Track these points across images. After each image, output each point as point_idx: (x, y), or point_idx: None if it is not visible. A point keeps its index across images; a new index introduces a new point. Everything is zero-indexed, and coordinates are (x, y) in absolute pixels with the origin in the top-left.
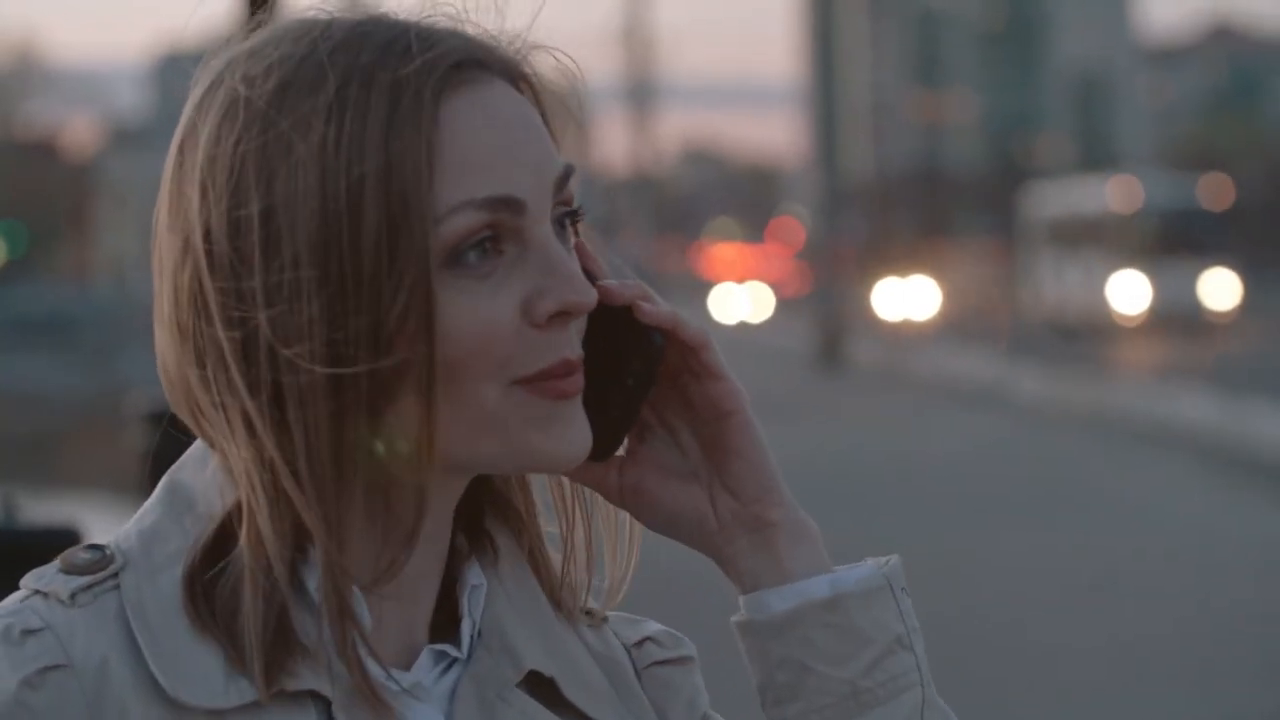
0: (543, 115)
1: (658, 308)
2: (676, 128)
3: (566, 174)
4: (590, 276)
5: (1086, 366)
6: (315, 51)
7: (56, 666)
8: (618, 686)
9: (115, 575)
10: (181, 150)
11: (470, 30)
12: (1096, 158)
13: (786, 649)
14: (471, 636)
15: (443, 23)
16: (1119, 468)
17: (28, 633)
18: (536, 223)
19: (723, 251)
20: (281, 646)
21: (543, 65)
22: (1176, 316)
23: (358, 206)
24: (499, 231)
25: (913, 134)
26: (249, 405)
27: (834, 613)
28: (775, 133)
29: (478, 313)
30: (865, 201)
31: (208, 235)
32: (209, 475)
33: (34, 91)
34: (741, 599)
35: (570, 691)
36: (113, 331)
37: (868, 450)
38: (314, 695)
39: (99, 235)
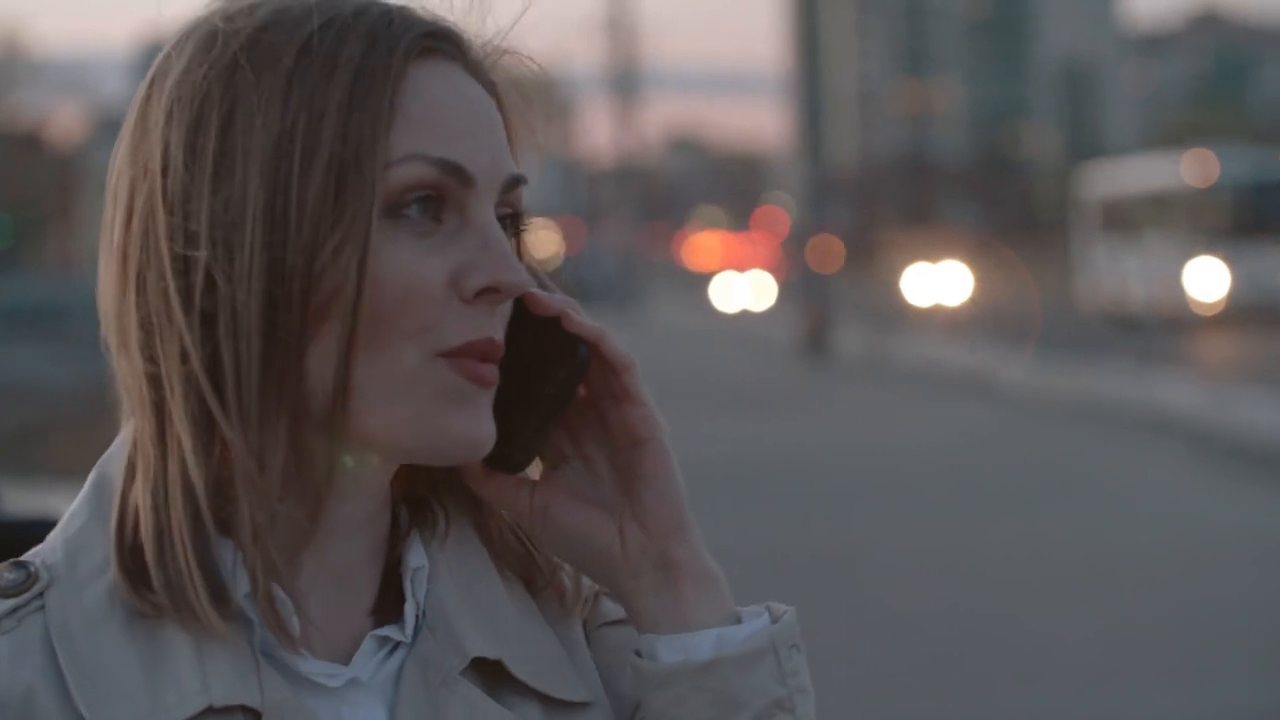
0: (506, 125)
1: (585, 320)
2: (661, 116)
3: (517, 180)
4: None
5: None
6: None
7: None
8: (573, 654)
9: (40, 595)
10: (152, 83)
11: (450, 18)
12: (1083, 147)
13: (663, 703)
14: (416, 619)
15: (422, 13)
16: (1108, 456)
17: None
18: (481, 202)
19: (708, 240)
20: (213, 629)
21: (515, 70)
22: (1257, 305)
23: (314, 139)
24: (444, 196)
25: (898, 123)
26: (183, 329)
27: (709, 676)
28: (761, 121)
29: (409, 266)
30: (851, 190)
31: (165, 162)
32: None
33: (20, 83)
34: (640, 636)
35: (519, 670)
36: (97, 323)
37: (854, 441)
38: (243, 709)
39: (86, 226)
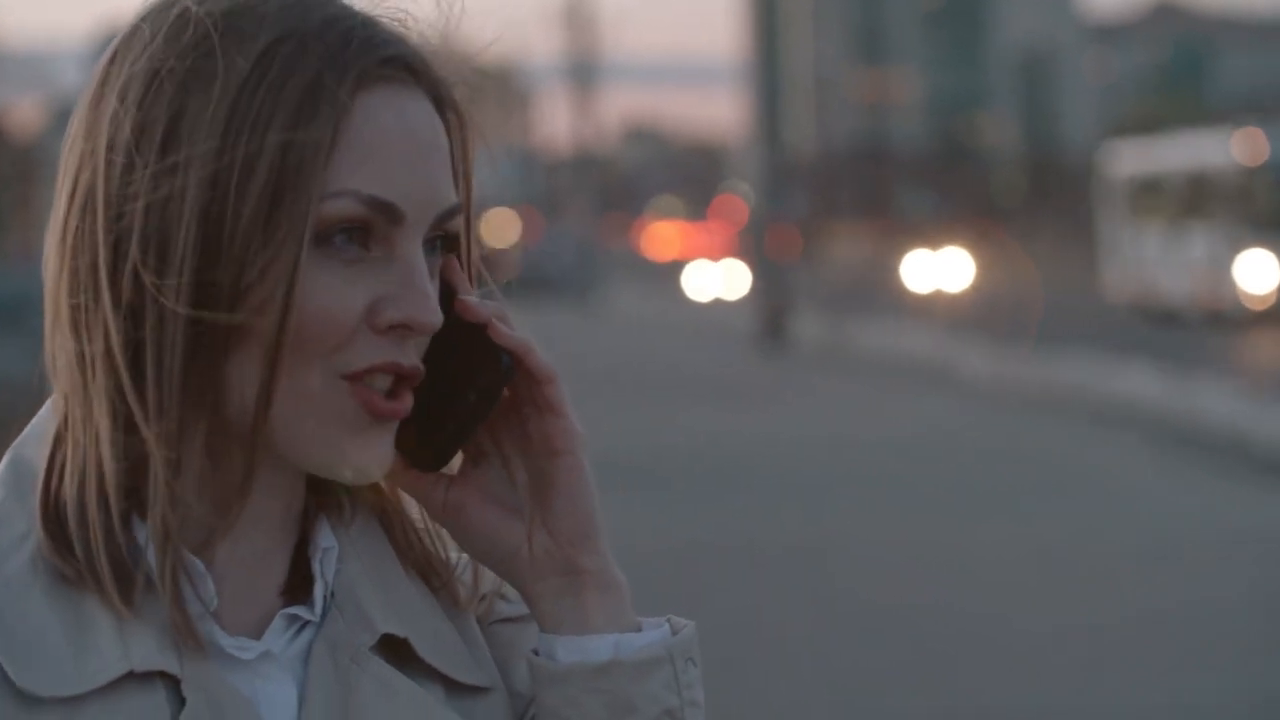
0: (454, 145)
1: (513, 332)
2: (619, 106)
3: (453, 211)
4: (453, 290)
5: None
6: (268, 1)
7: None
8: (468, 640)
9: None
10: (113, 60)
11: (413, 39)
12: (1041, 136)
13: (556, 702)
14: (324, 599)
15: (389, 24)
16: (1069, 445)
17: None
18: (409, 237)
19: (666, 229)
20: (127, 595)
21: (475, 81)
22: None
23: (254, 159)
24: (371, 229)
25: (856, 111)
26: (109, 318)
27: (603, 679)
28: (718, 110)
29: (331, 293)
30: (808, 179)
31: (111, 147)
32: (49, 447)
33: None
34: (539, 635)
35: (424, 651)
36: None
37: (817, 432)
38: (162, 675)
39: (44, 217)
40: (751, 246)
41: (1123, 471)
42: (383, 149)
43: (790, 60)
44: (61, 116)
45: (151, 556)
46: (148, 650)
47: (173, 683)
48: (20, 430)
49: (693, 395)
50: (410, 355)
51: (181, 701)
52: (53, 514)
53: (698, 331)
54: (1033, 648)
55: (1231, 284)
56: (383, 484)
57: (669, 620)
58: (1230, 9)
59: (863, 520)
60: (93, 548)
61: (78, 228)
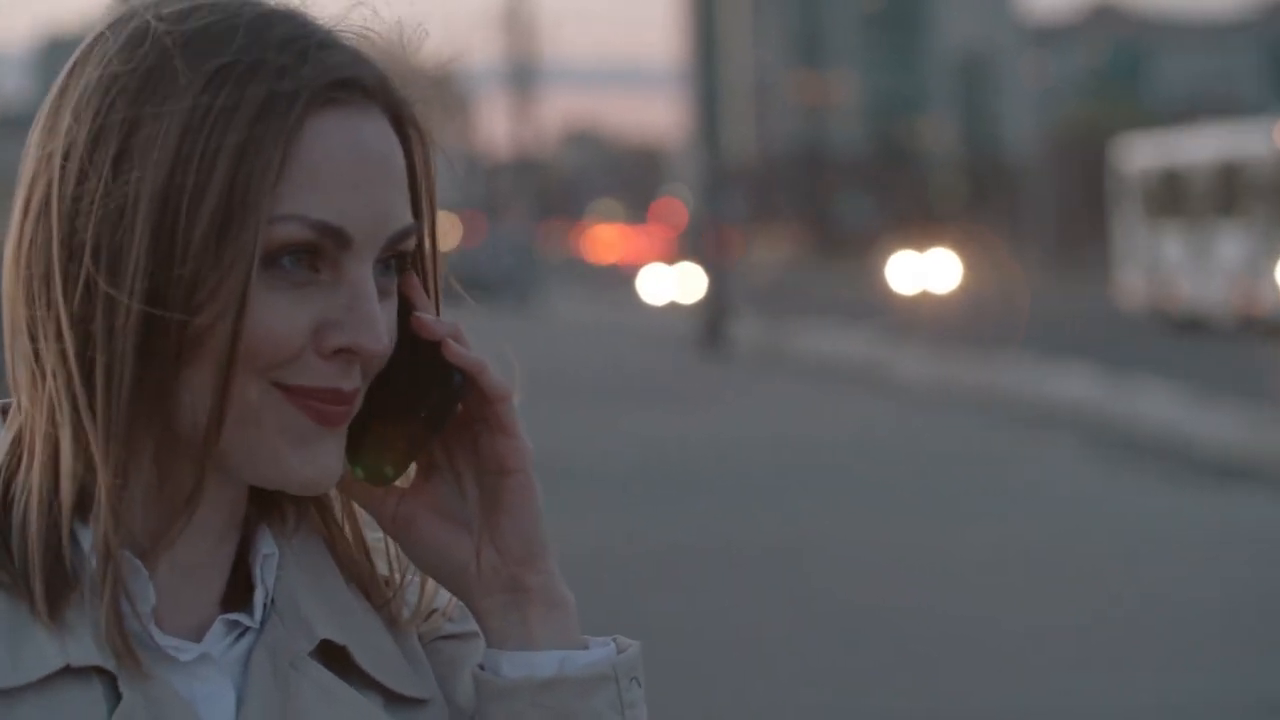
0: (417, 162)
1: (466, 351)
2: (558, 110)
3: (406, 233)
4: (409, 306)
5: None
6: (230, 17)
7: None
8: (408, 655)
9: None
10: (73, 70)
11: (373, 54)
12: (979, 139)
13: (500, 717)
14: (265, 605)
15: (350, 38)
16: (1007, 448)
17: None
18: (358, 261)
19: (607, 233)
20: (60, 606)
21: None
22: None
23: (205, 180)
24: (320, 253)
25: (795, 115)
26: (64, 327)
27: (548, 694)
28: (658, 114)
29: (278, 315)
30: (747, 182)
31: (67, 152)
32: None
33: None
34: (485, 651)
35: (363, 660)
36: None
37: (749, 435)
38: (99, 670)
39: None
40: (690, 250)
41: (1069, 473)
42: (332, 173)
43: (730, 64)
44: (2, 122)
45: (93, 558)
46: (85, 646)
47: (110, 679)
48: None
49: (634, 399)
50: (353, 377)
51: (118, 698)
52: (2, 516)
53: (638, 335)
54: (1008, 648)
55: (1273, 287)
56: (327, 500)
57: (614, 640)
58: (1169, 12)
59: (828, 521)
60: (30, 557)
61: (32, 238)
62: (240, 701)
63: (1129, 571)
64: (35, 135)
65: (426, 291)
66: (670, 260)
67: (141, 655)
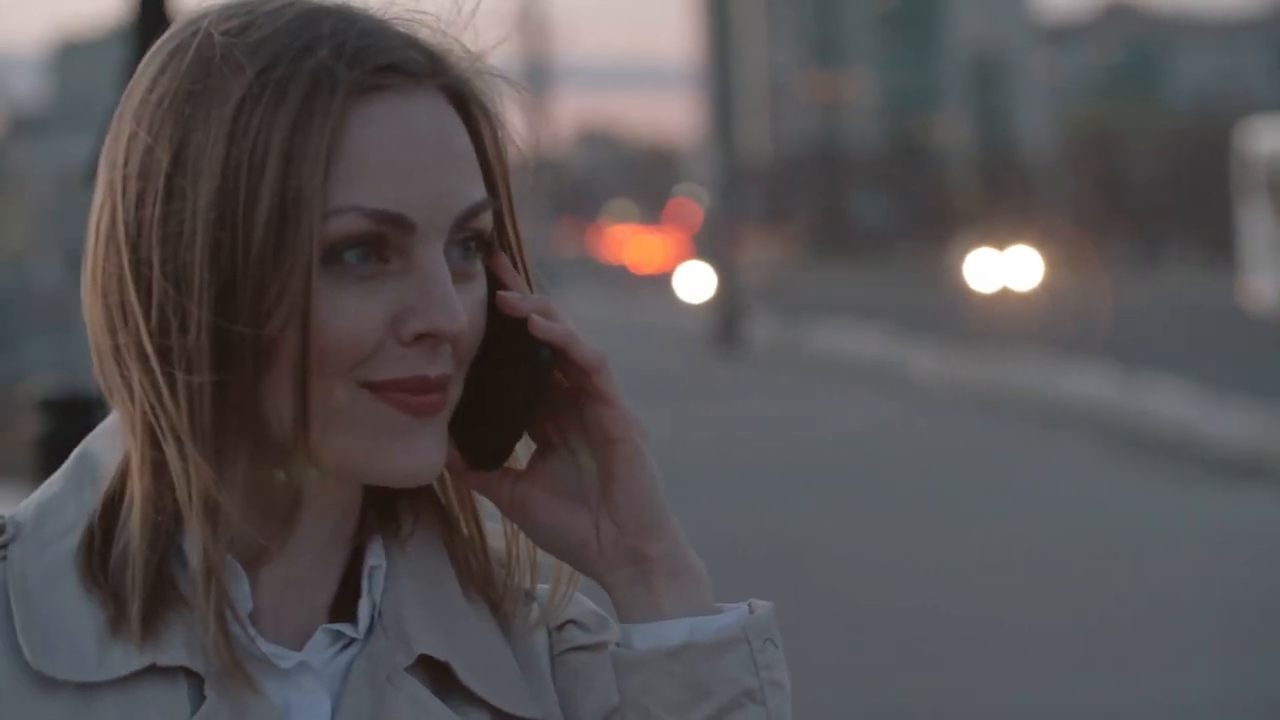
0: (486, 141)
1: (552, 324)
2: (573, 110)
3: (475, 209)
4: (500, 286)
5: None
6: (275, 20)
7: None
8: (528, 673)
9: (4, 546)
10: (129, 92)
11: (425, 35)
12: (994, 136)
13: (634, 689)
14: (371, 617)
15: (400, 23)
16: (1017, 447)
17: None
18: (425, 244)
19: (621, 233)
20: (157, 611)
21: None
22: None
23: (256, 186)
24: (385, 243)
25: (810, 114)
26: (145, 342)
27: (677, 661)
28: (672, 114)
29: (348, 312)
30: (762, 182)
31: (126, 172)
32: (116, 443)
33: None
34: (618, 627)
35: (466, 676)
36: (10, 321)
37: (759, 434)
38: (187, 672)
39: (2, 223)
40: (705, 250)
41: (1078, 472)
42: (384, 160)
43: (744, 63)
44: (14, 125)
45: (193, 564)
46: (174, 647)
47: (197, 681)
48: None
49: (647, 397)
50: (440, 363)
51: (204, 700)
52: (103, 522)
53: (653, 334)
54: (1013, 648)
55: None
56: (445, 502)
57: (749, 603)
58: (1182, 10)
59: (835, 521)
60: (129, 568)
61: (104, 265)
62: (334, 712)
63: (1136, 571)
64: (106, 143)
65: (515, 266)
66: (680, 260)
67: (241, 660)
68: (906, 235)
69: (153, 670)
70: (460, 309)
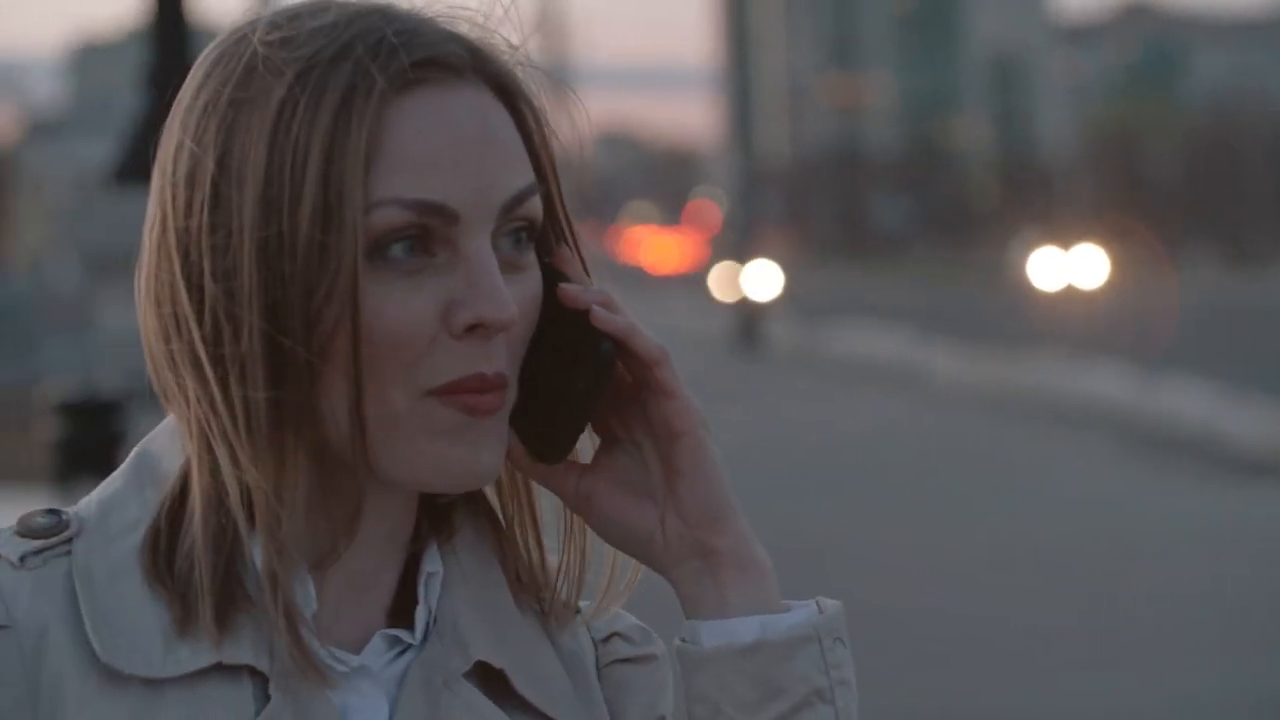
0: (533, 133)
1: (613, 316)
2: (592, 112)
3: (521, 196)
4: (561, 279)
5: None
6: (315, 22)
7: None
8: (577, 684)
9: (68, 541)
10: (182, 90)
11: (464, 29)
12: (1013, 138)
13: (704, 686)
14: (427, 623)
15: (441, 20)
16: (1036, 446)
17: None
18: (471, 235)
19: (640, 234)
20: (226, 613)
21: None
22: None
23: (298, 185)
24: (430, 235)
25: (828, 116)
26: (199, 357)
27: (749, 659)
28: (691, 116)
29: (397, 309)
30: (781, 184)
31: (174, 183)
32: (175, 444)
33: None
34: (684, 622)
35: (521, 684)
36: (28, 323)
37: (785, 433)
38: (251, 671)
39: (15, 227)
40: (723, 251)
41: (1098, 471)
42: (424, 152)
43: (763, 66)
44: (34, 128)
45: (259, 568)
46: (241, 646)
47: (262, 681)
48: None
49: None
50: (495, 360)
51: (267, 699)
52: (167, 522)
53: (673, 336)
54: (1024, 647)
55: None
56: (499, 509)
57: (816, 600)
58: (1201, 9)
59: (851, 521)
60: (196, 571)
61: (157, 274)
62: (391, 717)
63: (1155, 570)
64: (154, 171)
65: (573, 256)
66: (741, 260)
67: (308, 662)
68: (925, 237)
69: (218, 668)
70: (508, 298)
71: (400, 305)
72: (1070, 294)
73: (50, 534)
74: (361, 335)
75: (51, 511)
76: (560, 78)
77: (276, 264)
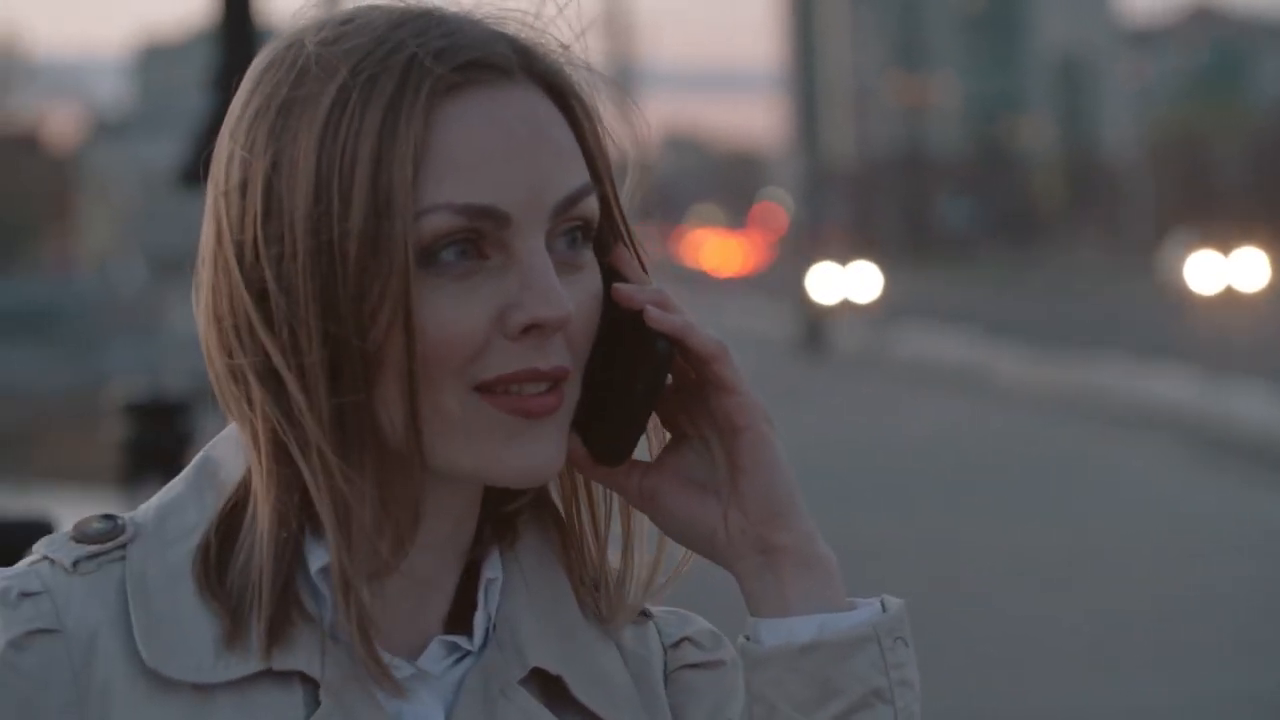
0: (585, 133)
1: (667, 315)
2: (658, 114)
3: (575, 196)
4: (618, 280)
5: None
6: (364, 29)
7: (47, 631)
8: (642, 688)
9: (123, 546)
10: (232, 108)
11: (513, 29)
12: (1078, 140)
13: (762, 685)
14: (487, 629)
15: (489, 20)
16: (1099, 449)
17: (25, 595)
18: (524, 237)
19: (706, 237)
20: (281, 625)
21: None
22: None
23: (347, 192)
24: (482, 238)
25: (894, 118)
26: (256, 365)
27: (806, 660)
28: (757, 118)
29: (449, 313)
30: (847, 186)
31: (227, 190)
32: (238, 454)
33: (16, 85)
34: (747, 620)
35: (579, 691)
36: (94, 324)
37: (850, 435)
38: (302, 677)
39: (81, 227)
40: (790, 253)
41: (1161, 474)
42: (473, 155)
43: (828, 67)
44: (98, 128)
45: (318, 584)
46: (292, 650)
47: (312, 686)
48: (47, 438)
49: None
50: (553, 356)
51: (317, 704)
52: (221, 532)
53: (738, 339)
54: (1086, 649)
55: None
56: (565, 514)
57: (881, 599)
58: (1268, 11)
59: (915, 523)
60: (251, 581)
61: (215, 287)
62: None
63: (1214, 572)
64: (209, 184)
65: (630, 256)
66: (843, 260)
67: (353, 666)
68: (991, 239)
69: (268, 674)
70: (564, 297)
71: (452, 309)
72: (1229, 297)
73: (105, 539)
74: (415, 339)
75: (108, 517)
76: (619, 77)
77: (329, 270)
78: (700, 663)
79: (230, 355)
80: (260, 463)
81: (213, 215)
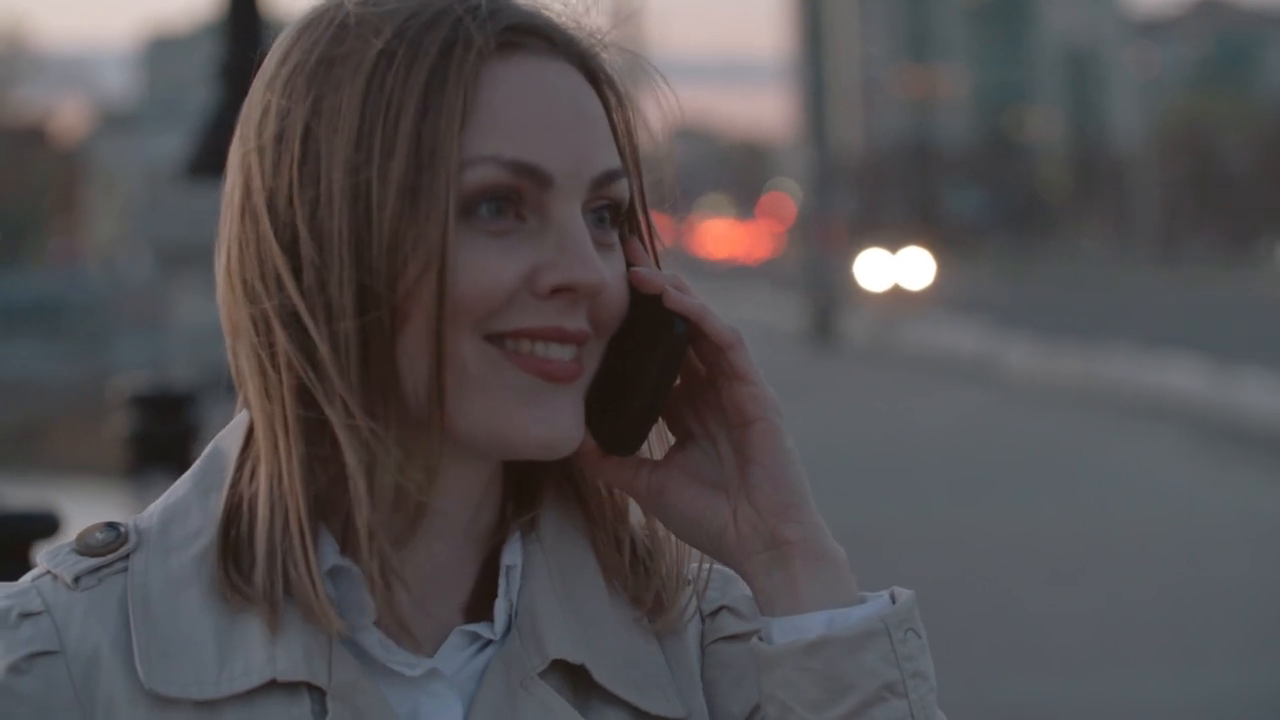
0: (616, 121)
1: (687, 298)
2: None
3: (612, 174)
4: (632, 264)
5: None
6: None
7: (47, 653)
8: (675, 665)
9: (126, 557)
10: (265, 67)
11: (550, 13)
12: (1086, 131)
13: (773, 685)
14: (509, 617)
15: (525, 5)
16: (1109, 440)
17: (25, 616)
18: (563, 201)
19: (714, 227)
20: (284, 623)
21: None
22: None
23: (391, 139)
24: (521, 197)
25: (903, 109)
26: (283, 319)
27: (815, 656)
28: (765, 108)
29: (483, 266)
30: (855, 176)
31: (260, 144)
32: (244, 441)
33: (23, 77)
34: (760, 620)
35: (603, 677)
36: (101, 318)
37: (859, 426)
38: (309, 686)
39: (87, 220)
40: (798, 244)
41: (1171, 465)
42: (521, 114)
43: (837, 58)
44: (105, 120)
45: (327, 566)
46: (295, 659)
47: (319, 694)
48: (55, 431)
49: None
50: (578, 319)
51: (325, 712)
52: (235, 519)
53: (748, 329)
54: (1097, 640)
55: None
56: (588, 495)
57: (891, 591)
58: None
59: (925, 514)
60: (273, 567)
61: (241, 239)
62: (466, 717)
63: (1226, 563)
64: (241, 121)
65: (645, 249)
66: (893, 246)
67: (362, 670)
68: (1000, 229)
69: (274, 685)
70: (600, 264)
71: (483, 265)
72: None
73: (106, 550)
74: (446, 288)
75: (110, 526)
76: (646, 67)
77: (365, 215)
78: (738, 634)
79: (254, 303)
80: (275, 426)
81: (240, 170)
